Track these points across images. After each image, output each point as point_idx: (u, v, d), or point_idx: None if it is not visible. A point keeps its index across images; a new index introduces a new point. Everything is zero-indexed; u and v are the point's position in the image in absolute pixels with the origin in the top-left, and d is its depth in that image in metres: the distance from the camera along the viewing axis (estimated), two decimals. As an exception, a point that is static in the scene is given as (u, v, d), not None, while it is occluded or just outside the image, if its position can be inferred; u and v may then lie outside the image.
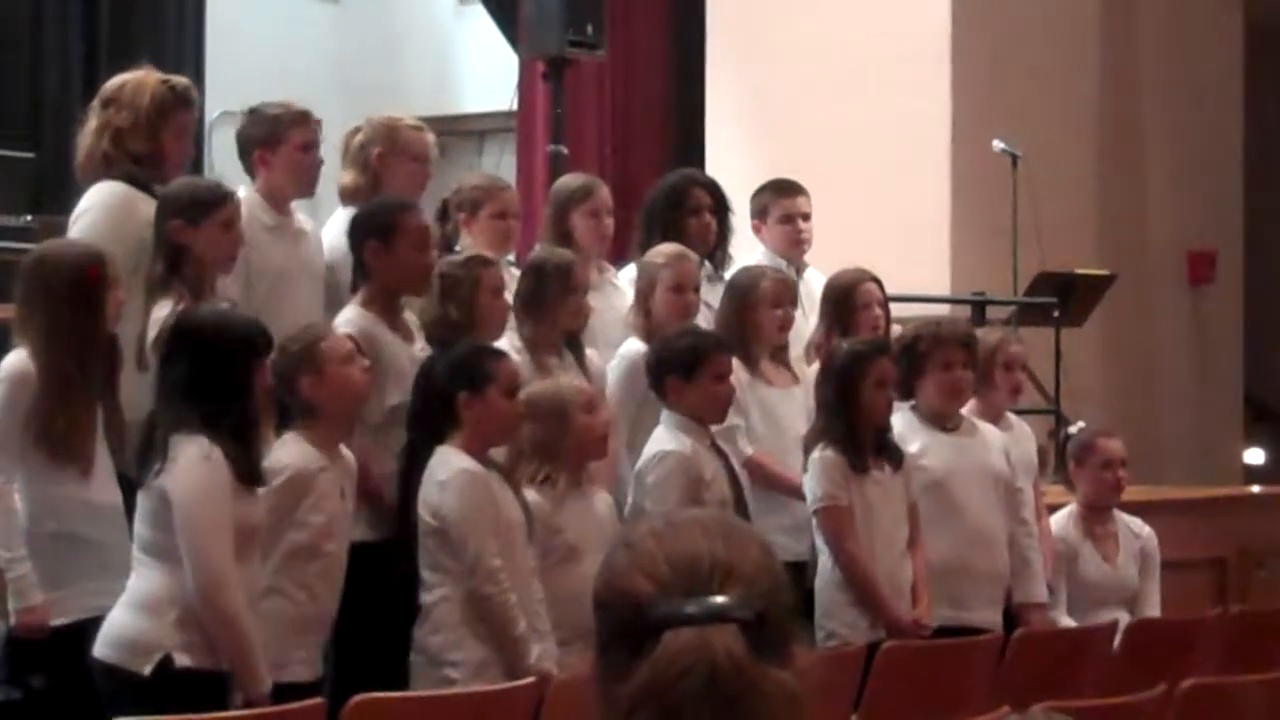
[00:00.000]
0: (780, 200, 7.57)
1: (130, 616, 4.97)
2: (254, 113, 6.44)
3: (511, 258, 6.94)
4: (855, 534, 6.30)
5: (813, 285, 7.41)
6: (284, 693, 5.06)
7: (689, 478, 6.10)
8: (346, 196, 6.56)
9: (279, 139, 6.27)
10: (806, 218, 7.55)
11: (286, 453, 5.34)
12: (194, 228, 5.68)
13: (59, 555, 5.27)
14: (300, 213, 6.49)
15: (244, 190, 6.17)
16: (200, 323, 5.19)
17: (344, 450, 5.49)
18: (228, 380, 4.98)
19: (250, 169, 6.33)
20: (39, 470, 5.30)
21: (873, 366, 6.34)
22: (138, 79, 6.09)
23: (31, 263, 5.48)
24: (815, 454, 6.32)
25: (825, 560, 6.33)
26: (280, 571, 5.31)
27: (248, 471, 4.99)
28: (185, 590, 4.91)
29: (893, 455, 6.43)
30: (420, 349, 6.03)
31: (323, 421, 5.42)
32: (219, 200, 5.79)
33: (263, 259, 6.14)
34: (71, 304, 5.30)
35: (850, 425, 6.31)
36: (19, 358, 5.33)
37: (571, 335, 6.45)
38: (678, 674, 1.96)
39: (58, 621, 5.22)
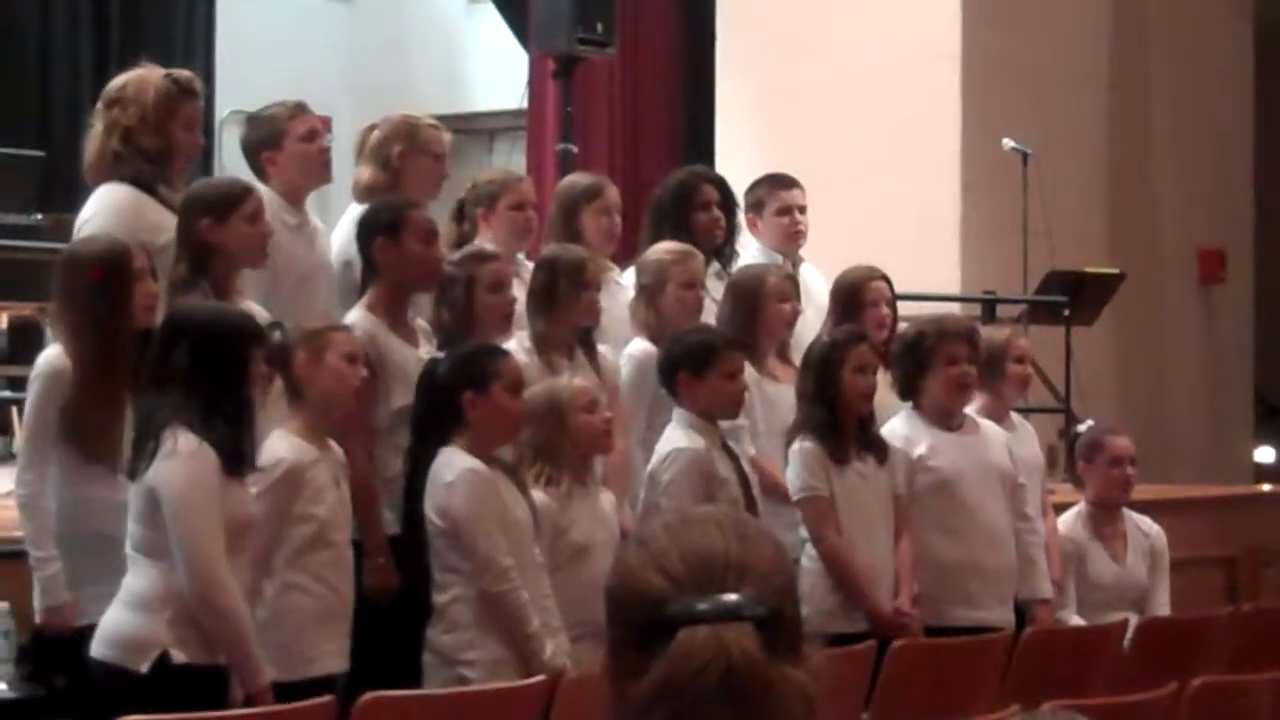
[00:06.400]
0: (777, 192, 7.56)
1: (126, 614, 4.96)
2: (252, 119, 6.45)
3: (522, 255, 6.93)
4: (836, 524, 6.31)
5: (808, 280, 7.40)
6: (318, 686, 5.04)
7: (703, 475, 6.10)
8: (364, 193, 6.51)
9: (281, 135, 6.27)
10: (803, 210, 7.54)
11: (278, 447, 5.31)
12: (223, 224, 5.67)
13: (86, 554, 5.25)
14: (312, 212, 6.48)
15: (262, 190, 6.15)
16: (197, 313, 5.20)
17: (331, 443, 5.49)
18: (226, 367, 4.99)
19: (260, 173, 6.31)
20: (68, 468, 5.30)
21: (851, 352, 6.35)
22: (140, 76, 6.06)
23: (62, 259, 5.52)
24: (795, 445, 6.34)
25: (809, 548, 6.33)
26: (293, 567, 5.29)
27: (239, 460, 4.98)
28: (179, 587, 4.90)
29: (877, 448, 6.43)
30: (426, 352, 6.02)
31: (309, 411, 5.41)
32: (242, 193, 5.78)
33: (288, 258, 6.13)
34: (93, 298, 5.31)
35: (832, 413, 6.32)
36: (54, 353, 5.36)
37: (584, 333, 6.44)
38: (693, 671, 1.95)
39: (83, 621, 5.19)
